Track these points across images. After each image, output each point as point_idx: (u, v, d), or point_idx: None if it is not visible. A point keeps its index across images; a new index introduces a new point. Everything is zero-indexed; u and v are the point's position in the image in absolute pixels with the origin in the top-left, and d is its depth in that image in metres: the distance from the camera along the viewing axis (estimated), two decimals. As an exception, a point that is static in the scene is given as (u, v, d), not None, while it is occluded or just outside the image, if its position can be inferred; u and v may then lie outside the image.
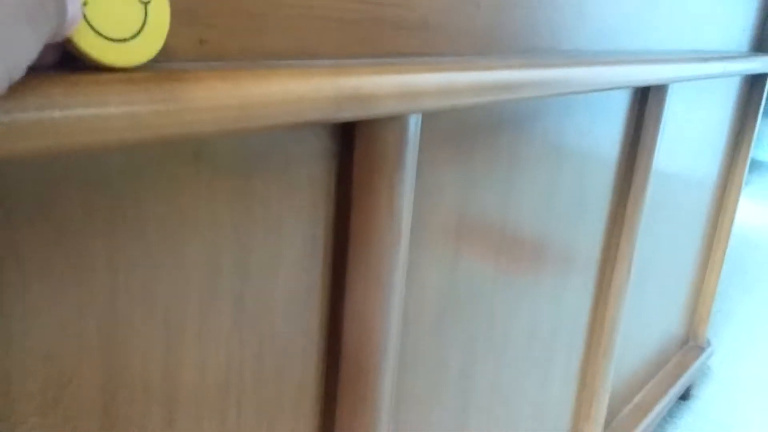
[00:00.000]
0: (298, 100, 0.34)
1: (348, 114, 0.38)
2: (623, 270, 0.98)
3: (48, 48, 0.25)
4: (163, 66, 0.32)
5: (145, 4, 0.28)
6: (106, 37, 0.27)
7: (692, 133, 1.16)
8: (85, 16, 0.26)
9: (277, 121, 0.34)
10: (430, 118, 0.52)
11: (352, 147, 0.45)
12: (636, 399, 1.27)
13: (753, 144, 1.48)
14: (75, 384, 0.34)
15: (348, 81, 0.37)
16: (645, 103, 0.89)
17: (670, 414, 1.49)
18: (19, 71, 0.21)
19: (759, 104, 1.45)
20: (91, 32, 0.26)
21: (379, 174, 0.45)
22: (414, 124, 0.47)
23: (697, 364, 1.49)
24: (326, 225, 0.46)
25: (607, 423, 1.15)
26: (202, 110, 0.30)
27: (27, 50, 0.21)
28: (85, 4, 0.25)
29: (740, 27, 1.22)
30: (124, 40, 0.27)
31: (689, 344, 1.55)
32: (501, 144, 0.63)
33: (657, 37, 0.87)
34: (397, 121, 0.45)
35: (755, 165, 4.00)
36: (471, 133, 0.59)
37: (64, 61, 0.27)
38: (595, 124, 0.81)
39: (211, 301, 0.40)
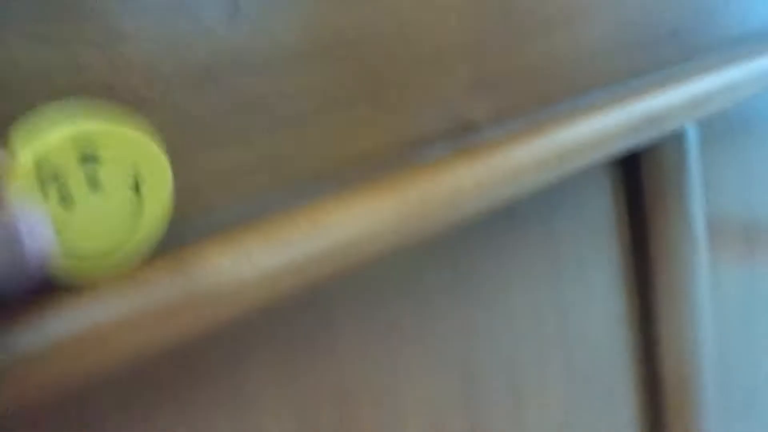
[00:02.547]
0: (604, 136, 0.35)
1: (642, 137, 0.38)
2: None
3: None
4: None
5: (136, 190, 0.22)
6: (99, 252, 0.21)
7: None
8: (61, 245, 0.20)
9: (584, 161, 0.35)
10: (703, 123, 0.50)
11: (637, 170, 0.44)
12: None
13: None
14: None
15: (640, 105, 0.38)
16: None
17: None
18: None
19: None
20: (78, 257, 0.21)
21: (669, 191, 0.45)
22: (692, 134, 0.45)
23: None
24: (625, 252, 0.46)
25: None
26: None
27: None
28: (57, 231, 0.20)
29: None
30: (122, 243, 0.22)
31: None
32: None
33: None
34: (678, 135, 0.44)
35: None
36: (744, 125, 0.56)
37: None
38: None
39: (543, 349, 0.41)
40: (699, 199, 0.46)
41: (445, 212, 0.30)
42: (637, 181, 0.45)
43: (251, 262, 0.24)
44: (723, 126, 0.53)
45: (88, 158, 0.21)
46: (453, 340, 0.37)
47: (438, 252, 0.36)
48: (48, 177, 0.20)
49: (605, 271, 0.45)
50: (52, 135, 0.20)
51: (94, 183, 0.21)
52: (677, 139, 0.44)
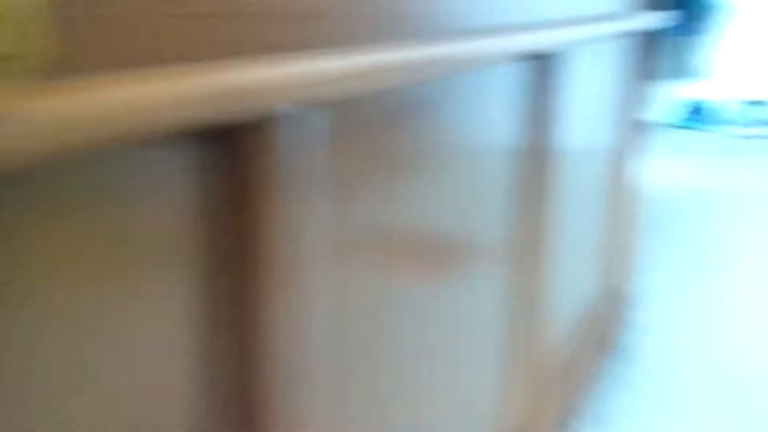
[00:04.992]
0: (154, 102, 0.32)
1: (219, 114, 0.36)
2: (541, 252, 0.96)
3: None
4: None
5: None
6: None
7: (590, 100, 1.17)
8: None
9: (136, 129, 0.32)
10: (302, 120, 0.50)
11: (233, 156, 0.42)
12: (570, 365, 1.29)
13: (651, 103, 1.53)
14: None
15: (215, 77, 0.35)
16: (542, 73, 0.90)
17: (610, 370, 1.55)
18: None
19: (652, 64, 1.49)
20: None
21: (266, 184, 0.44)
22: (320, 120, 0.45)
23: (624, 318, 1.53)
24: (216, 253, 0.44)
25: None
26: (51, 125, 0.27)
27: None
28: None
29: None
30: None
31: (614, 302, 1.59)
32: (385, 141, 0.62)
33: (551, 6, 0.88)
34: (272, 121, 0.43)
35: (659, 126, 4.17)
36: (349, 131, 0.57)
37: None
38: (489, 108, 0.80)
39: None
40: (313, 190, 0.46)
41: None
42: (232, 171, 0.43)
43: None
44: (357, 119, 0.54)
45: None
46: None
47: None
48: None
49: (184, 276, 0.42)
50: None
51: None
52: (272, 125, 0.43)
